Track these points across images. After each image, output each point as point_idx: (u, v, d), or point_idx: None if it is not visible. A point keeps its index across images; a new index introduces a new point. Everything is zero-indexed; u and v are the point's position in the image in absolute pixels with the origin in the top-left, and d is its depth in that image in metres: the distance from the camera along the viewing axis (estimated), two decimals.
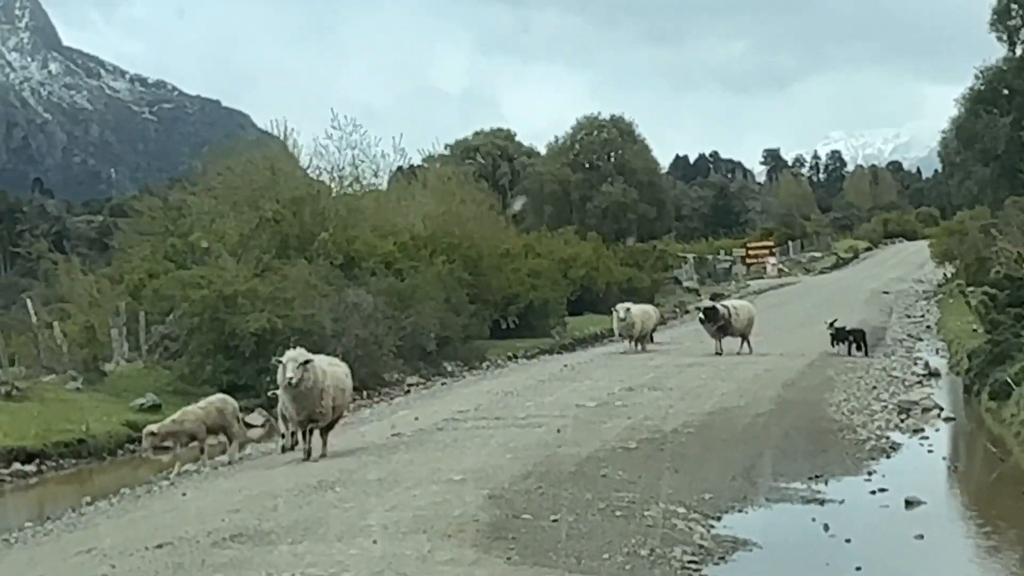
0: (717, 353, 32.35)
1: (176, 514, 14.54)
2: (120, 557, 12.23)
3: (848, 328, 32.29)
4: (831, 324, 31.96)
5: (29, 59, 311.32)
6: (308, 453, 18.11)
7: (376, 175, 50.12)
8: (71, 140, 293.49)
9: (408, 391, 31.21)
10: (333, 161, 46.34)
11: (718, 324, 33.11)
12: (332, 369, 18.54)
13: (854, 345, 31.22)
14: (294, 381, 17.16)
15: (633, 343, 35.77)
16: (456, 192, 50.16)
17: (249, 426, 26.39)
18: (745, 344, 33.23)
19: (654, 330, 37.57)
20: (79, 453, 23.28)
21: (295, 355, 17.51)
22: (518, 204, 63.68)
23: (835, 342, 31.31)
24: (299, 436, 18.79)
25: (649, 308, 39.15)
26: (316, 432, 18.66)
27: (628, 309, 36.08)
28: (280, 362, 17.60)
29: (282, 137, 45.25)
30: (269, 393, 22.86)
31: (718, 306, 34.59)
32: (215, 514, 13.85)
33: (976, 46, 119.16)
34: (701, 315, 34.08)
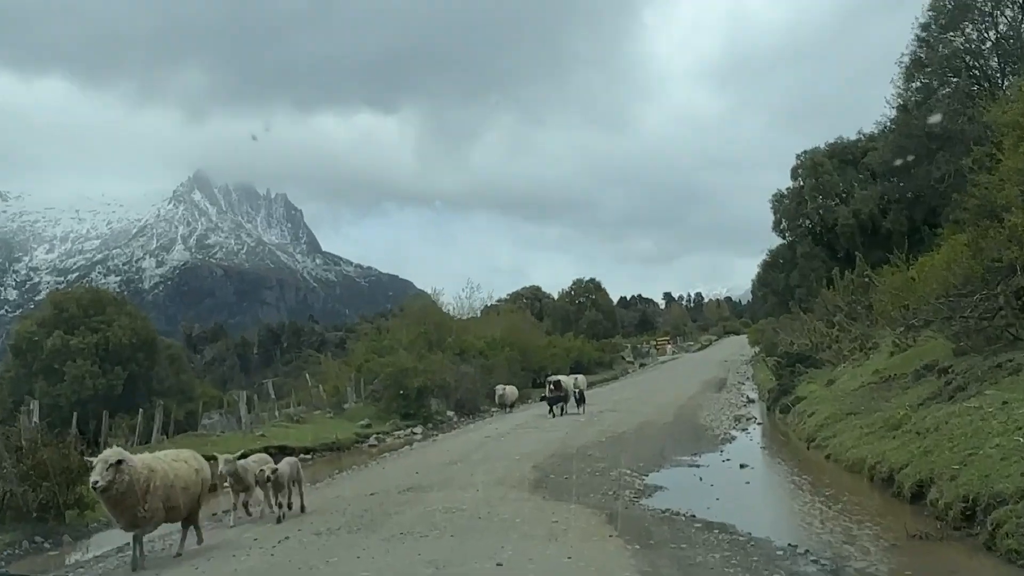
0: (558, 415, 21.90)
1: (378, 473, 14.99)
2: (354, 499, 11.32)
3: (552, 390, 21.94)
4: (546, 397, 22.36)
5: (305, 257, 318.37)
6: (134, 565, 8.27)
7: (473, 309, 50.23)
8: (327, 297, 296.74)
9: (492, 415, 30.70)
10: (457, 303, 46.51)
11: (560, 395, 22.31)
12: (168, 467, 8.45)
13: (566, 402, 21.73)
14: (100, 486, 7.55)
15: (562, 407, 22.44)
16: (517, 321, 49.83)
17: (414, 434, 25.98)
18: (582, 406, 22.91)
19: (580, 397, 22.61)
20: (331, 448, 23.21)
21: (106, 455, 7.80)
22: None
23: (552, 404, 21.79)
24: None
25: (580, 378, 25.78)
26: (184, 528, 9.20)
27: (504, 389, 26.52)
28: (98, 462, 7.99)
29: (432, 293, 45.75)
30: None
31: (562, 379, 23.24)
32: (402, 473, 14.02)
33: (762, 238, 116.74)
34: (551, 386, 22.38)
